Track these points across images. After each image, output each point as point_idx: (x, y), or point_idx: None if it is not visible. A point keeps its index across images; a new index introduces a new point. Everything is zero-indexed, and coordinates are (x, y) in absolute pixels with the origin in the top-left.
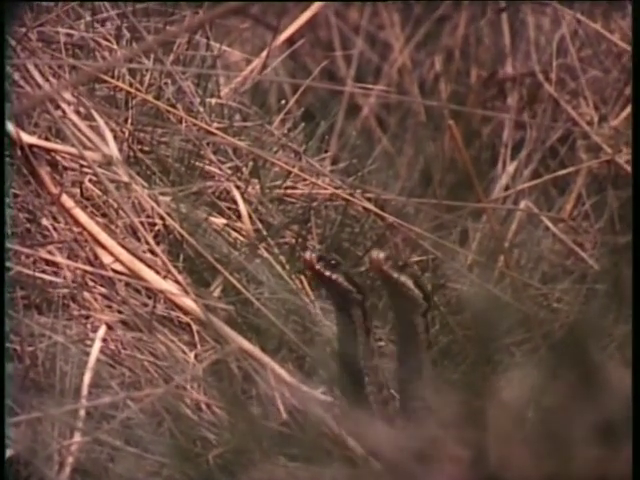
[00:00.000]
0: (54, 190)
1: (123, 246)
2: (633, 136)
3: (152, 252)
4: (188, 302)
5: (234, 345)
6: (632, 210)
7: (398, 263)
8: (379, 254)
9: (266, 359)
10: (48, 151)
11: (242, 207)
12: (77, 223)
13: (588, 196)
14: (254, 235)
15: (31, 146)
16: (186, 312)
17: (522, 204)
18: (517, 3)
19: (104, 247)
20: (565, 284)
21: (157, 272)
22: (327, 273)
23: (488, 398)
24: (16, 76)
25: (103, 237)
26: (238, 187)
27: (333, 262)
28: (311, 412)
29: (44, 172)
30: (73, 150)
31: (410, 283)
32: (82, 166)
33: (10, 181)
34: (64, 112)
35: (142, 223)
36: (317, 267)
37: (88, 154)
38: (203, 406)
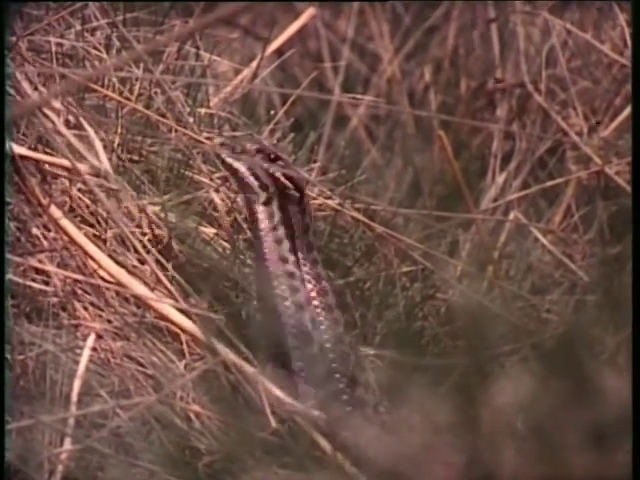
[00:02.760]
0: (43, 200)
1: (111, 257)
2: (633, 136)
3: (141, 262)
4: (176, 314)
5: (221, 355)
6: (632, 209)
7: (236, 150)
8: (215, 139)
9: (253, 372)
10: (38, 162)
11: (223, 213)
12: (65, 233)
13: (577, 207)
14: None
15: (21, 156)
16: (175, 323)
17: (511, 215)
18: (507, 13)
19: (92, 258)
20: (554, 295)
21: (146, 283)
22: (228, 160)
23: (478, 408)
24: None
25: (91, 248)
26: (219, 195)
27: (238, 150)
28: (300, 424)
29: (33, 182)
30: (64, 162)
31: (244, 170)
32: (71, 176)
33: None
34: (53, 122)
35: (132, 232)
36: (222, 156)
37: (78, 165)
38: (192, 415)
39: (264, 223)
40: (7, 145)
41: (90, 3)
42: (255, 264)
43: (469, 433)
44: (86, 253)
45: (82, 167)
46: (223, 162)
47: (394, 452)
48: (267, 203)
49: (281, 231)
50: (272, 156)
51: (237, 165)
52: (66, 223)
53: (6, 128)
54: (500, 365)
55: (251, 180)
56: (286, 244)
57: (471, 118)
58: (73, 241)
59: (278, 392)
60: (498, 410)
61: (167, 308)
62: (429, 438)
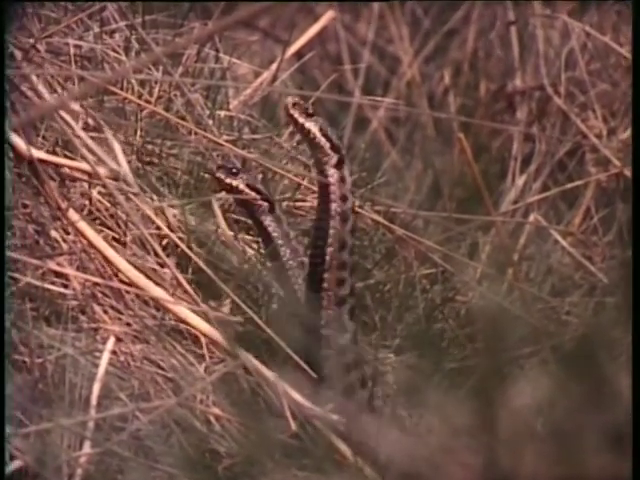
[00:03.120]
0: (62, 204)
1: (130, 261)
2: (633, 137)
3: (161, 265)
4: (195, 317)
5: (241, 359)
6: (632, 209)
7: (307, 110)
8: (289, 98)
9: (273, 376)
10: (57, 165)
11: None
12: (83, 237)
13: (597, 209)
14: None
15: (40, 160)
16: (194, 326)
17: (531, 217)
18: (526, 16)
19: (110, 262)
20: (574, 297)
21: (164, 287)
22: (227, 180)
23: (498, 410)
24: (23, 87)
25: (109, 251)
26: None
27: (234, 170)
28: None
29: (51, 186)
30: (83, 165)
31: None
32: (90, 180)
33: (18, 192)
34: (71, 125)
35: (151, 235)
36: (217, 175)
37: (97, 168)
38: (212, 418)
39: (336, 189)
40: (6, 146)
41: (109, 6)
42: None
43: (489, 435)
44: (104, 257)
45: (101, 170)
46: (295, 122)
47: (413, 454)
48: (339, 166)
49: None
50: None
51: (309, 125)
52: (84, 226)
53: (19, 132)
54: (519, 367)
55: (323, 141)
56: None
57: (491, 120)
58: (91, 244)
59: (297, 396)
60: (517, 412)
61: (185, 311)
62: (448, 440)
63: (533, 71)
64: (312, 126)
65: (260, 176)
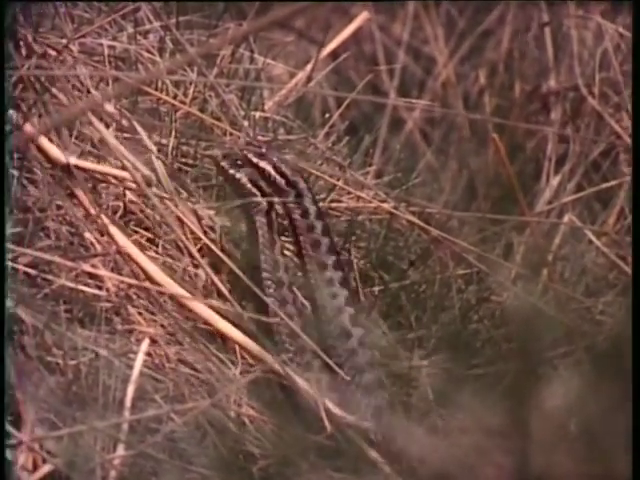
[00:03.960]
0: (93, 210)
1: (159, 265)
2: (633, 137)
3: (196, 266)
4: (227, 326)
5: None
6: (632, 209)
7: (236, 161)
8: (217, 151)
9: (302, 384)
10: (87, 171)
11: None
12: (114, 241)
13: (631, 209)
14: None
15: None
16: (225, 331)
17: (565, 217)
18: (560, 17)
19: (141, 267)
20: (608, 297)
21: (195, 290)
22: (231, 171)
23: (532, 410)
24: (55, 89)
25: (139, 256)
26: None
27: (239, 162)
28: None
29: (83, 192)
30: (119, 172)
31: (246, 180)
32: (123, 184)
33: (52, 193)
34: (102, 126)
35: (186, 237)
36: (221, 164)
37: (132, 174)
38: (246, 419)
39: (300, 223)
40: (6, 146)
41: (143, 6)
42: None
43: (523, 436)
44: (134, 261)
45: (136, 173)
46: (224, 173)
47: (446, 456)
48: (299, 199)
49: (319, 228)
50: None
51: (239, 175)
52: (115, 231)
53: (53, 134)
54: (553, 367)
55: (253, 190)
56: (325, 244)
57: (525, 121)
58: (122, 250)
59: (328, 403)
60: (551, 413)
61: (214, 315)
62: (482, 442)
63: (567, 72)
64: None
65: (287, 155)
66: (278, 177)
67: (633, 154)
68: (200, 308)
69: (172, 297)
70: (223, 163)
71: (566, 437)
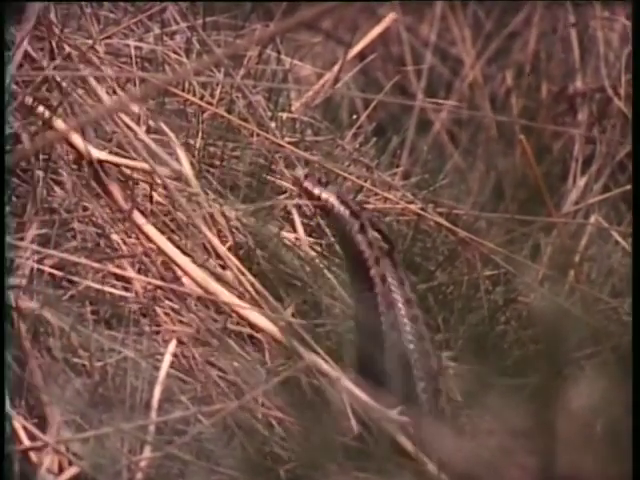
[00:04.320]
0: (125, 206)
1: (196, 263)
2: (633, 136)
3: (223, 267)
4: (261, 319)
5: (306, 361)
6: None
7: (321, 180)
8: (299, 171)
9: (338, 378)
10: (117, 166)
11: (299, 224)
12: (149, 240)
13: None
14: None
15: (100, 161)
16: (258, 329)
17: (592, 218)
18: (586, 18)
19: (176, 264)
20: None
21: (230, 288)
22: (316, 191)
23: (558, 411)
24: (81, 90)
25: (175, 254)
26: (297, 205)
27: (322, 180)
28: (384, 429)
29: (115, 188)
30: (144, 165)
31: (333, 199)
32: (152, 180)
33: (78, 194)
34: (132, 127)
35: (212, 238)
36: (304, 185)
37: (159, 169)
38: (274, 421)
39: (365, 252)
40: (6, 145)
41: (169, 7)
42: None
43: (549, 437)
44: (171, 260)
45: (163, 171)
46: (309, 193)
47: (475, 457)
48: (362, 231)
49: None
50: (322, 180)
51: (326, 195)
52: (149, 229)
53: (80, 133)
54: (580, 368)
55: (342, 210)
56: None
57: (552, 122)
58: (158, 248)
59: (365, 397)
60: (578, 413)
61: (252, 315)
62: (509, 442)
63: (594, 73)
64: (329, 195)
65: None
66: (342, 208)
67: (633, 154)
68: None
69: (200, 297)
70: (306, 184)
71: (592, 438)
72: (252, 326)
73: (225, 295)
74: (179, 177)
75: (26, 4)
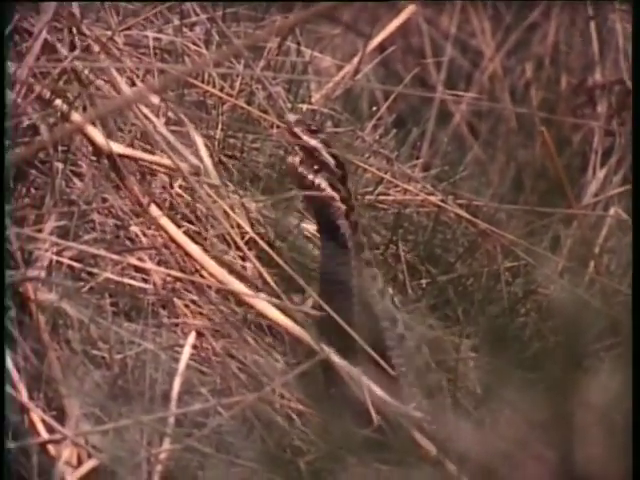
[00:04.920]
0: (142, 200)
1: (213, 256)
2: (633, 135)
3: (243, 259)
4: (278, 314)
5: (324, 354)
6: (632, 208)
7: (314, 167)
8: (294, 158)
9: (356, 372)
10: (136, 160)
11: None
12: (165, 233)
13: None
14: None
15: (119, 155)
16: (277, 323)
17: (612, 210)
18: (605, 11)
19: (193, 257)
20: None
21: (249, 282)
22: (310, 176)
23: (577, 402)
24: (101, 80)
25: (192, 247)
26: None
27: (316, 167)
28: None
29: (132, 181)
30: (165, 161)
31: (325, 184)
32: (171, 173)
33: (97, 186)
34: (149, 118)
35: (233, 229)
36: (299, 170)
37: (179, 163)
38: (293, 413)
39: (339, 206)
40: (6, 145)
41: None
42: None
43: (568, 429)
44: (186, 253)
45: (182, 164)
46: (298, 139)
47: (492, 449)
48: (343, 182)
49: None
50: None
51: (314, 143)
52: (166, 222)
53: (98, 125)
54: (599, 359)
55: (328, 158)
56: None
57: (572, 114)
58: (173, 240)
59: (381, 393)
60: (597, 405)
61: (268, 306)
62: (528, 434)
63: (613, 65)
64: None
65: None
66: (329, 157)
67: (633, 155)
68: (260, 304)
69: (219, 289)
70: (300, 169)
71: (612, 430)
72: (263, 316)
73: (241, 287)
74: (198, 172)
75: None
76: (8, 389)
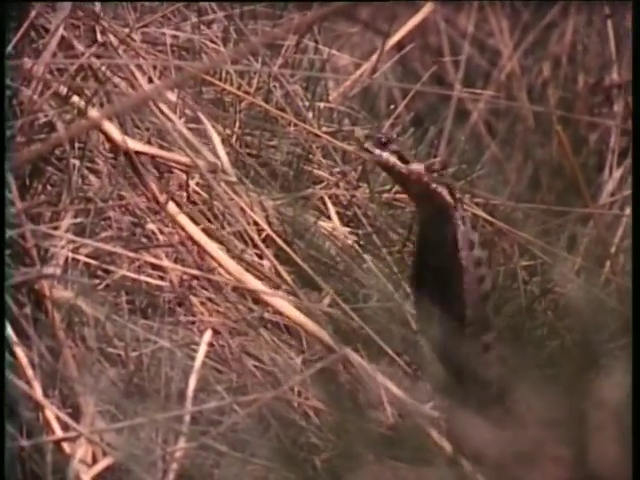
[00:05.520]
0: (160, 198)
1: (230, 253)
2: (634, 135)
3: (260, 256)
4: (295, 311)
5: (341, 352)
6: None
7: (380, 140)
8: (359, 130)
9: (370, 370)
10: (154, 158)
11: (333, 213)
12: (183, 230)
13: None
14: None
15: (136, 152)
16: (294, 321)
17: (628, 210)
18: (622, 10)
19: (210, 255)
20: None
21: (266, 280)
22: (377, 152)
23: (592, 400)
24: (117, 78)
25: (209, 245)
26: (331, 195)
27: (383, 140)
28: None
29: (150, 179)
30: (182, 159)
31: (394, 160)
32: (188, 169)
33: (114, 183)
34: (166, 115)
35: (250, 227)
36: (365, 145)
37: (196, 161)
38: (310, 411)
39: (446, 197)
40: (6, 146)
41: None
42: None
43: (583, 428)
44: (204, 250)
45: (200, 162)
46: (369, 154)
47: (508, 448)
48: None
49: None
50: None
51: (385, 156)
52: (183, 220)
53: (116, 122)
54: (615, 358)
55: (402, 167)
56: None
57: (589, 113)
58: (191, 238)
59: (398, 391)
60: (612, 403)
61: (284, 304)
62: (543, 433)
63: (630, 64)
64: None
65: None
66: (404, 168)
67: (633, 156)
68: (276, 301)
69: (236, 287)
70: (367, 145)
71: (625, 427)
72: (280, 314)
73: (258, 285)
74: (216, 169)
75: None
76: (22, 386)
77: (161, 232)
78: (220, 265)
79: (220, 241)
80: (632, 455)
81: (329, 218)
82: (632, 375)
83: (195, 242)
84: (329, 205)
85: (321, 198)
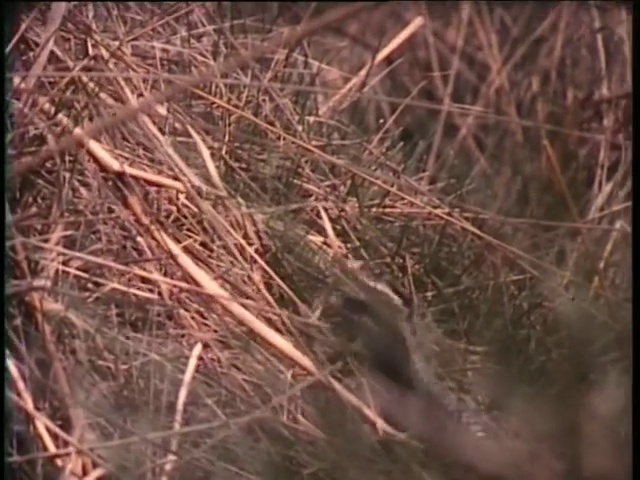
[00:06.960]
0: (145, 220)
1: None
2: (634, 135)
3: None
4: (259, 324)
5: (330, 367)
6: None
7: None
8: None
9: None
10: (148, 182)
11: (328, 225)
12: (166, 252)
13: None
14: (341, 253)
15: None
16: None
17: (618, 224)
18: (612, 24)
19: (194, 279)
20: None
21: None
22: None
23: (583, 415)
24: (107, 92)
25: (193, 269)
26: (325, 208)
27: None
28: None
29: (134, 200)
30: (176, 184)
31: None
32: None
33: (104, 196)
34: (151, 130)
35: (239, 242)
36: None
37: (183, 181)
38: (298, 425)
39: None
40: (6, 146)
41: (196, 9)
42: None
43: (574, 442)
44: (187, 272)
45: (187, 183)
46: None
47: (498, 462)
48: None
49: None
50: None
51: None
52: (168, 241)
53: (106, 132)
54: (605, 372)
55: (396, 299)
56: None
57: (578, 128)
58: (173, 259)
59: (377, 419)
60: (602, 418)
61: (249, 316)
62: (534, 447)
63: (619, 79)
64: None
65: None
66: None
67: (633, 158)
68: (237, 309)
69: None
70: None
71: (617, 442)
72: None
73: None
74: (201, 192)
75: (52, 3)
76: (14, 398)
77: (151, 245)
78: (200, 286)
79: (204, 261)
80: (632, 455)
81: (319, 232)
82: (632, 383)
83: (177, 263)
84: (324, 217)
85: (312, 210)
